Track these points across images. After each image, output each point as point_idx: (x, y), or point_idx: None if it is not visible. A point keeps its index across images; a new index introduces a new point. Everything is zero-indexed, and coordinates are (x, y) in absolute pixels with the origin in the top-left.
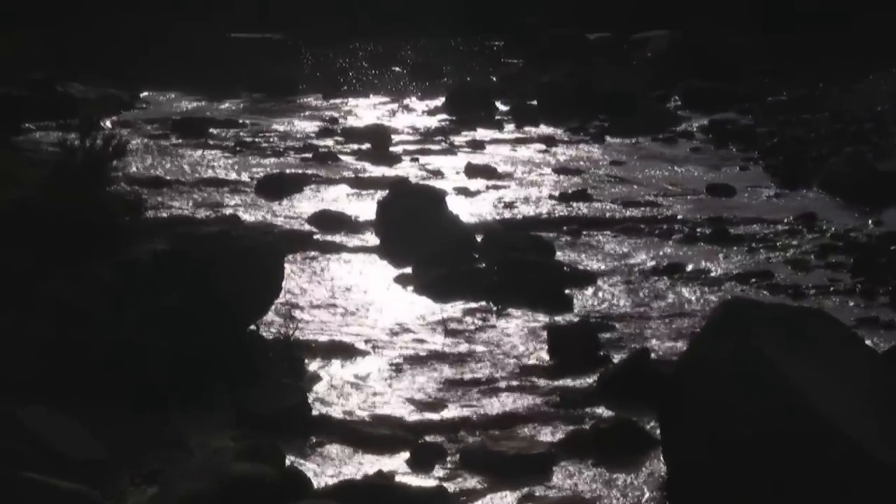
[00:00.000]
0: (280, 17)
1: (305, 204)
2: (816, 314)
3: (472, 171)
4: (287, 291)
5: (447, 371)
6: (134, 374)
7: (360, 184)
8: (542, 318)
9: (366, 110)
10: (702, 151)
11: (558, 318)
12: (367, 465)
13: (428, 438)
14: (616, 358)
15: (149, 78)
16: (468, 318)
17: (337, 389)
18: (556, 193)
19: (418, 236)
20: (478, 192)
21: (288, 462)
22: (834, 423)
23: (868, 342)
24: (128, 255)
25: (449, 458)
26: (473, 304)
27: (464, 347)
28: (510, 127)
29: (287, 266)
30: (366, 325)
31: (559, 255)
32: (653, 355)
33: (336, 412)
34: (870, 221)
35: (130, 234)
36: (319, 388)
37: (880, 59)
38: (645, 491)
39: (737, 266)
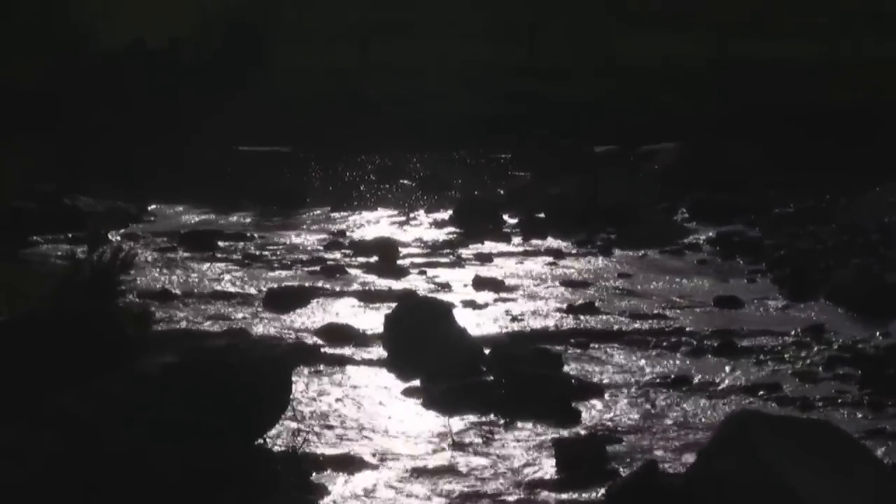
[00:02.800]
0: (288, 130)
1: (313, 317)
2: (824, 426)
3: (480, 283)
4: (295, 404)
5: (455, 484)
6: (142, 488)
7: (368, 297)
8: (550, 431)
9: (374, 223)
10: (709, 264)
11: (566, 431)
12: None
13: None
14: (624, 471)
15: (157, 191)
16: (476, 431)
17: (345, 502)
18: (564, 306)
19: (426, 349)
20: (485, 305)
21: None
22: None
23: (877, 454)
24: (136, 369)
25: None
26: (481, 417)
27: (471, 460)
28: (518, 240)
29: (295, 379)
30: (373, 437)
31: (567, 367)
32: (661, 468)
33: None
34: (878, 333)
35: (138, 347)
36: (327, 502)
37: (887, 170)
38: None
39: (744, 378)
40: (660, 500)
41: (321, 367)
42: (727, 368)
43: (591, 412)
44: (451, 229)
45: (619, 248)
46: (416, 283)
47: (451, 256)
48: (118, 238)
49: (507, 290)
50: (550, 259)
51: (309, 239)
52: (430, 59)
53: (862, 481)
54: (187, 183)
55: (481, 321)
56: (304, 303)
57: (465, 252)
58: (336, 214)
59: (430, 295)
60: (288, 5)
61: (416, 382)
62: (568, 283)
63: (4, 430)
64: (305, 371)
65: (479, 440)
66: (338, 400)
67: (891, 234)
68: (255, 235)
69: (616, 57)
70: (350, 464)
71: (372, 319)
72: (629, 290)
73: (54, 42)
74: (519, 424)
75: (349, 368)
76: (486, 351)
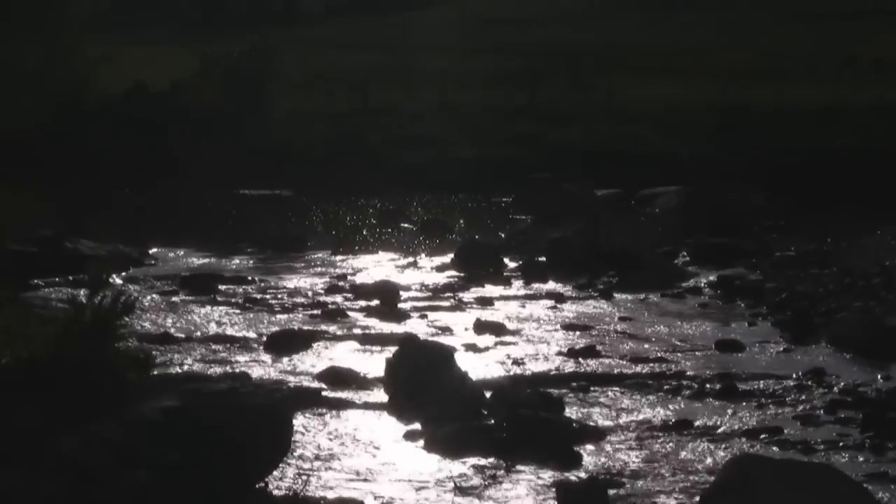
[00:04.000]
0: (289, 174)
1: (314, 360)
2: (826, 470)
3: (481, 327)
4: (296, 448)
5: None
6: None
7: (369, 340)
8: (552, 475)
9: (374, 267)
10: (710, 307)
11: (568, 475)
12: None
13: None
14: None
15: (158, 234)
16: (477, 475)
17: None
18: (565, 349)
19: (427, 393)
20: (486, 349)
21: None
22: None
23: (879, 497)
24: (137, 413)
25: None
26: (483, 461)
27: None
28: (519, 283)
29: (296, 423)
30: (375, 481)
31: (568, 411)
32: None
33: None
34: (879, 376)
35: (139, 391)
36: None
37: (887, 214)
38: None
39: (746, 422)
40: None
41: (322, 411)
42: (728, 412)
43: (593, 456)
44: (452, 273)
45: (620, 292)
46: (417, 326)
47: (451, 300)
48: (119, 282)
49: (508, 333)
50: (551, 303)
51: (310, 283)
52: (431, 103)
53: None
54: (188, 226)
55: (482, 365)
56: (306, 346)
57: (466, 296)
58: (337, 258)
59: (431, 339)
60: (289, 51)
61: (418, 426)
62: (569, 326)
63: (6, 474)
64: (307, 414)
65: (480, 484)
66: (339, 443)
67: (892, 277)
68: (256, 279)
69: (617, 102)
70: None
71: (373, 363)
72: (630, 334)
73: (56, 88)
74: (520, 468)
75: (350, 412)
76: (488, 394)
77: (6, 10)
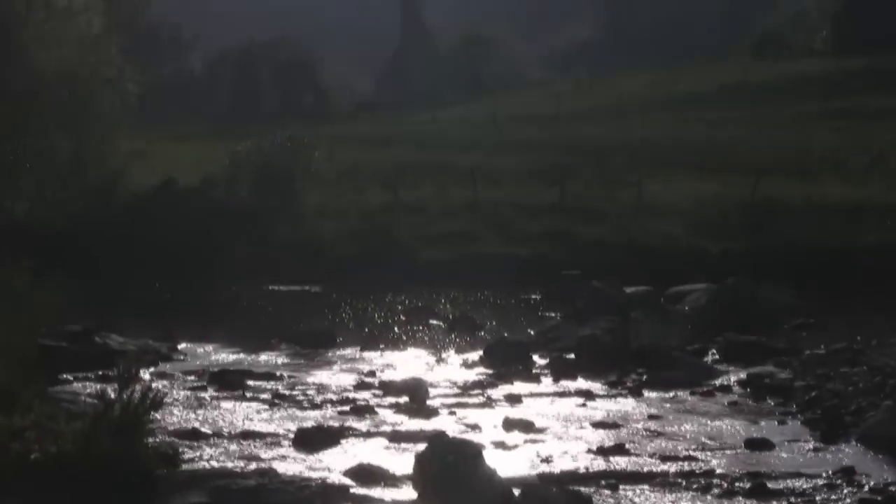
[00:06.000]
0: (319, 270)
1: (342, 457)
2: None
3: (510, 424)
4: None
5: None
6: None
7: (398, 437)
8: None
9: (403, 363)
10: (740, 405)
11: None
12: None
13: None
14: None
15: (187, 329)
16: None
17: None
18: (594, 447)
19: (456, 490)
20: (515, 446)
21: None
22: None
23: None
24: None
25: None
26: None
27: None
28: (548, 381)
29: None
30: None
31: None
32: None
33: None
34: None
35: (168, 486)
36: None
37: None
38: None
39: None
40: None
41: None
42: None
43: None
44: (481, 370)
45: (649, 390)
46: (445, 423)
47: (480, 397)
48: (148, 377)
49: (537, 431)
50: (581, 400)
51: (339, 379)
52: (461, 199)
53: None
54: (218, 322)
55: (511, 462)
56: (334, 443)
57: (495, 393)
58: (366, 354)
59: (459, 436)
60: (320, 146)
61: None
62: (598, 424)
63: None
64: None
65: None
66: None
67: None
68: (285, 375)
69: (646, 198)
70: None
71: (402, 460)
72: (659, 432)
73: (89, 182)
74: None
75: None
76: (516, 492)
77: (42, 104)
